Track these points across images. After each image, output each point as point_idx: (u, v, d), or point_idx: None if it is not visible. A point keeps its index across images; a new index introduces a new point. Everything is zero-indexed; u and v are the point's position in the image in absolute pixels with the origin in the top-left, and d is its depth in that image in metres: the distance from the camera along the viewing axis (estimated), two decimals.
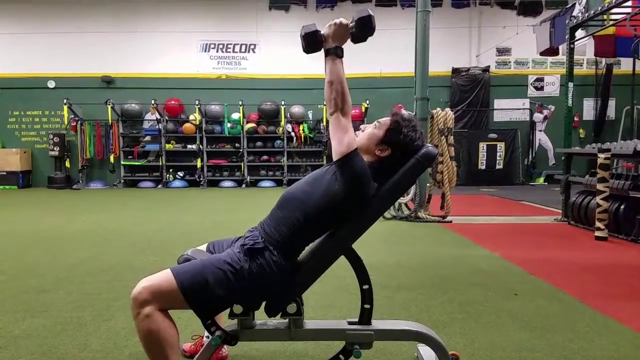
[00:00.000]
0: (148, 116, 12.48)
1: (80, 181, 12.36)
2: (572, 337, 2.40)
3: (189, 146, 12.49)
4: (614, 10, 6.04)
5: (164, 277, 1.61)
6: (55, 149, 12.18)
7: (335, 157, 1.70)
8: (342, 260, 1.82)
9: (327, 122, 12.09)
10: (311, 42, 1.72)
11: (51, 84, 12.72)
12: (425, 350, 2.05)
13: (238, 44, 13.03)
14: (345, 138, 1.67)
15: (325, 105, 1.69)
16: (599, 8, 5.89)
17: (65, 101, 11.90)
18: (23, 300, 3.00)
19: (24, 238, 5.22)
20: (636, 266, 3.95)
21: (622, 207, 5.04)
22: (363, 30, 1.69)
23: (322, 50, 1.73)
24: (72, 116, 12.19)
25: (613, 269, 3.85)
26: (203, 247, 1.94)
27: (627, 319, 2.64)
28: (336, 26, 1.69)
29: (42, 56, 12.61)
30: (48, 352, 2.23)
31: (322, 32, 1.72)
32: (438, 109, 6.45)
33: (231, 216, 6.97)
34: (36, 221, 6.50)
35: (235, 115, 12.29)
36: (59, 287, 3.28)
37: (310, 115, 12.69)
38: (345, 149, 1.67)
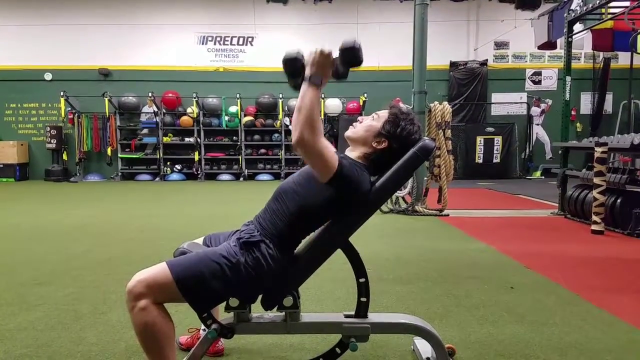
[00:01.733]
0: (145, 109, 12.43)
1: (78, 174, 12.33)
2: (568, 330, 2.41)
3: (187, 139, 12.47)
4: (612, 3, 6.02)
5: (159, 270, 1.60)
6: (52, 141, 12.15)
7: (324, 181, 1.65)
8: (339, 254, 1.82)
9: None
10: (291, 68, 1.63)
11: (48, 77, 12.67)
12: (421, 343, 2.05)
13: (236, 37, 12.98)
14: (325, 165, 1.61)
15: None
16: (597, 2, 5.87)
17: (62, 94, 11.86)
18: (19, 293, 3.00)
19: (21, 231, 5.21)
20: (632, 260, 3.97)
21: (618, 200, 5.05)
22: (346, 61, 1.59)
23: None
24: (69, 109, 12.15)
25: (609, 263, 3.86)
26: (199, 241, 1.94)
27: (622, 312, 2.66)
28: (316, 54, 1.60)
29: (39, 48, 12.54)
30: (43, 346, 2.23)
31: (304, 59, 1.63)
32: (436, 102, 6.44)
33: (228, 209, 6.97)
34: (33, 214, 6.48)
35: (233, 109, 12.26)
36: (55, 280, 3.27)
37: None
38: (330, 172, 1.62)
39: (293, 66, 1.64)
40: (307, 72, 1.60)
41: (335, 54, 1.63)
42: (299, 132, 1.54)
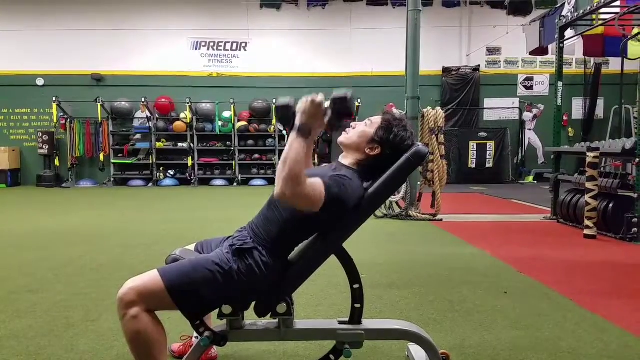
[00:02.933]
0: (138, 114, 12.37)
1: (70, 180, 12.24)
2: (561, 335, 2.42)
3: (180, 144, 12.42)
4: (603, 10, 6.07)
5: (151, 277, 1.59)
6: (44, 147, 12.05)
7: (316, 210, 1.62)
8: (333, 259, 1.81)
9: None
10: (283, 114, 1.63)
11: (40, 82, 12.59)
12: (415, 349, 2.04)
13: (229, 42, 12.98)
14: (313, 203, 1.57)
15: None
16: (588, 8, 5.92)
17: (54, 99, 11.78)
18: (10, 300, 2.96)
19: (13, 237, 5.15)
20: (624, 264, 3.99)
21: (610, 205, 5.08)
22: (338, 110, 1.58)
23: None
24: (62, 114, 12.07)
25: (601, 267, 3.88)
26: (191, 247, 1.92)
27: (615, 317, 2.66)
28: (307, 103, 1.55)
29: (31, 53, 12.46)
30: (34, 354, 2.20)
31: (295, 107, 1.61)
32: (429, 107, 6.47)
33: (221, 215, 6.94)
34: (25, 220, 6.42)
35: (227, 114, 12.23)
36: (47, 287, 3.24)
37: None
38: (318, 206, 1.59)
39: (285, 113, 1.63)
40: (297, 120, 1.55)
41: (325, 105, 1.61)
42: (281, 188, 1.48)
